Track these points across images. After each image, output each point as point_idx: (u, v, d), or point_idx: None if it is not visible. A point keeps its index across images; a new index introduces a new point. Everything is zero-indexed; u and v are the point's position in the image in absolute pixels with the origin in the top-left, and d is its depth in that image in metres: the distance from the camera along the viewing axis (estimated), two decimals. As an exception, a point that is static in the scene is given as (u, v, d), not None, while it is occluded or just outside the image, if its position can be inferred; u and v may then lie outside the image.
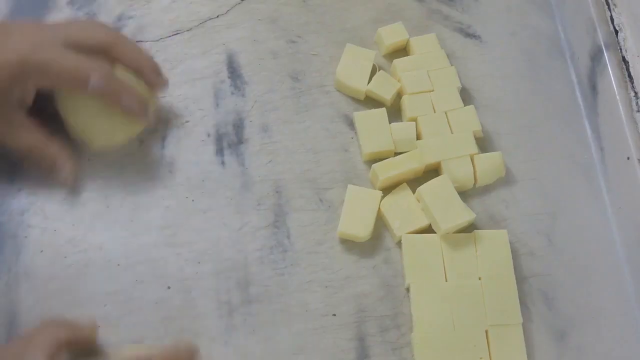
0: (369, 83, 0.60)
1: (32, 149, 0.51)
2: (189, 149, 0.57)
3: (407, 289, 0.52)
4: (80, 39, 0.51)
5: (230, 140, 0.58)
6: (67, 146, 0.53)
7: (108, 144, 0.54)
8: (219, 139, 0.58)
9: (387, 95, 0.60)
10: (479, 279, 0.52)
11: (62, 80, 0.50)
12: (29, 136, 0.51)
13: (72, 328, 0.45)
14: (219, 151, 0.57)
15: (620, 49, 0.59)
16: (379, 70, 0.61)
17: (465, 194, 0.56)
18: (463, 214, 0.53)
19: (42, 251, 0.52)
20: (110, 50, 0.51)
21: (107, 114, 0.52)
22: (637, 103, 0.56)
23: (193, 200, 0.55)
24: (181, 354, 0.45)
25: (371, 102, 0.61)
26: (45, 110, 0.52)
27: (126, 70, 0.53)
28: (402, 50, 0.64)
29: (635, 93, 0.56)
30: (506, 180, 0.58)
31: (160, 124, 0.58)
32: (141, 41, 0.62)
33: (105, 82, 0.50)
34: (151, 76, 0.54)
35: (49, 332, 0.43)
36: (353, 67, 0.61)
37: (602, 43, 0.60)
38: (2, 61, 0.48)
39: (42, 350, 0.41)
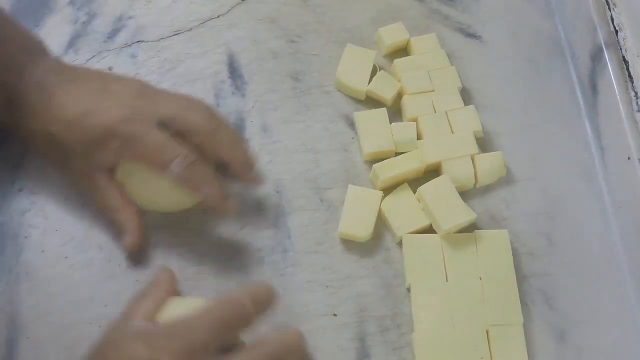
0: (369, 83, 0.60)
1: (106, 210, 0.51)
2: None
3: (408, 289, 0.52)
4: (176, 120, 0.49)
5: (230, 140, 0.58)
6: (140, 216, 0.51)
7: (166, 211, 0.53)
8: (220, 139, 0.58)
9: (388, 95, 0.60)
10: (480, 279, 0.52)
11: (143, 157, 0.49)
12: (107, 198, 0.51)
13: (162, 287, 0.46)
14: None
15: (621, 49, 0.59)
16: (379, 71, 0.61)
17: (466, 194, 0.56)
18: (464, 214, 0.53)
19: (43, 252, 0.52)
20: (206, 136, 0.50)
21: (167, 185, 0.50)
22: (637, 103, 0.56)
23: (194, 201, 0.55)
24: (261, 290, 0.45)
25: (372, 102, 0.61)
26: None
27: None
28: (403, 51, 0.64)
29: (636, 93, 0.56)
30: (507, 180, 0.58)
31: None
32: (142, 41, 0.62)
33: (186, 171, 0.48)
34: (241, 171, 0.52)
35: (146, 298, 0.45)
36: (353, 68, 0.61)
37: (602, 43, 0.60)
38: (91, 124, 0.48)
39: (142, 315, 0.43)
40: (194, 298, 0.47)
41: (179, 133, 0.49)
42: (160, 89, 0.52)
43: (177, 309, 0.44)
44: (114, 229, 0.52)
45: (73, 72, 0.52)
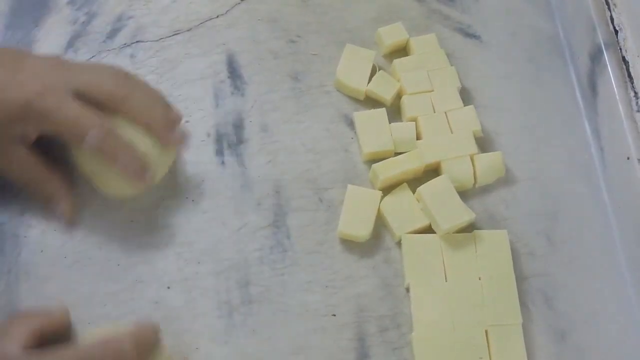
0: (368, 83, 0.60)
1: (30, 183, 0.51)
2: (189, 149, 0.57)
3: (407, 289, 0.52)
4: (90, 89, 0.49)
5: (230, 140, 0.58)
6: (67, 181, 0.52)
7: (117, 195, 0.53)
8: (219, 139, 0.58)
9: (387, 95, 0.60)
10: (479, 279, 0.52)
11: (60, 131, 0.48)
12: (28, 171, 0.50)
13: (43, 316, 0.45)
14: (219, 151, 0.57)
15: (620, 49, 0.59)
16: (378, 70, 0.61)
17: (465, 194, 0.56)
18: (463, 214, 0.53)
19: (42, 251, 0.52)
20: (119, 103, 0.49)
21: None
22: (637, 103, 0.56)
23: (193, 200, 0.55)
24: (145, 332, 0.45)
25: (371, 102, 0.61)
26: (54, 141, 0.51)
27: (134, 126, 0.50)
28: (402, 50, 0.64)
29: (635, 93, 0.56)
30: (506, 180, 0.58)
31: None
32: (141, 41, 0.62)
33: (102, 139, 0.48)
34: (162, 133, 0.51)
35: (22, 323, 0.43)
36: (353, 67, 0.61)
37: (602, 43, 0.60)
38: (5, 99, 0.47)
39: (18, 342, 0.41)
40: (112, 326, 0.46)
41: (95, 102, 0.49)
42: (77, 61, 0.52)
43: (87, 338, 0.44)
44: (44, 200, 0.52)
45: None
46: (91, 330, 0.46)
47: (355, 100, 0.61)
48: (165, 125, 0.51)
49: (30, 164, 0.50)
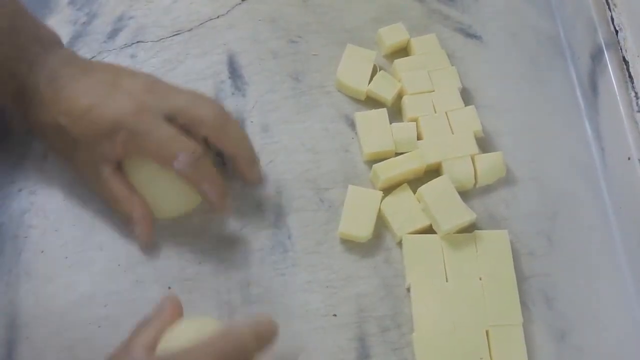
0: (369, 83, 0.60)
1: (112, 201, 0.51)
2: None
3: (408, 289, 0.52)
4: (184, 113, 0.50)
5: (230, 140, 0.58)
6: (147, 204, 0.51)
7: (166, 214, 0.53)
8: (220, 139, 0.58)
9: (388, 95, 0.60)
10: (480, 279, 0.52)
11: (149, 151, 0.49)
12: (111, 189, 0.50)
13: (164, 319, 0.44)
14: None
15: (621, 49, 0.59)
16: (379, 71, 0.61)
17: (465, 194, 0.56)
18: (464, 214, 0.53)
19: (42, 251, 0.52)
20: (213, 130, 0.50)
21: (170, 186, 0.51)
22: (637, 103, 0.56)
23: (193, 201, 0.55)
24: (265, 325, 0.43)
25: (372, 102, 0.61)
26: None
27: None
28: (403, 51, 0.64)
29: (636, 93, 0.56)
30: (506, 180, 0.58)
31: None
32: (142, 41, 0.62)
33: (191, 165, 0.48)
34: (246, 168, 0.53)
35: (147, 328, 0.43)
36: (354, 68, 0.61)
37: (602, 43, 0.60)
38: (99, 116, 0.48)
39: (143, 346, 0.41)
40: (201, 319, 0.45)
41: (186, 127, 0.50)
42: (170, 83, 0.52)
43: (182, 335, 0.42)
44: (122, 220, 0.52)
45: (85, 64, 0.52)
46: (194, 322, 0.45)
47: (356, 100, 0.61)
48: (251, 160, 0.53)
49: (115, 183, 0.50)
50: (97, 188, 0.51)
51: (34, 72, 0.49)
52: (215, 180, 0.50)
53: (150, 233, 0.51)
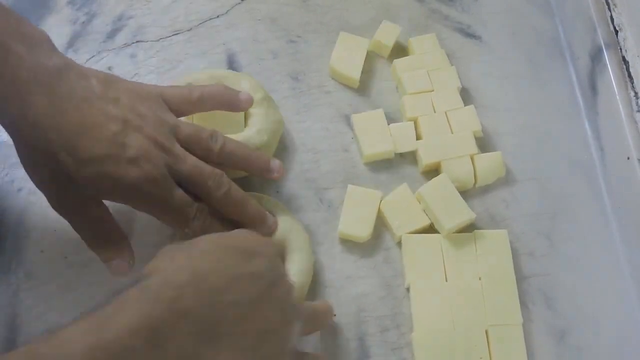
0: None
1: (94, 234, 0.48)
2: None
3: (407, 289, 0.52)
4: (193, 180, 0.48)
5: (230, 140, 0.58)
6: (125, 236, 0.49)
7: None
8: (219, 139, 0.58)
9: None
10: (479, 279, 0.52)
11: (165, 216, 0.48)
12: (96, 223, 0.47)
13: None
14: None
15: (620, 49, 0.59)
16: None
17: (465, 194, 0.56)
18: (465, 213, 0.53)
19: (42, 251, 0.52)
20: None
21: None
22: (637, 103, 0.56)
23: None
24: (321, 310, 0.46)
25: (367, 93, 0.61)
26: None
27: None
28: (402, 51, 0.64)
29: (635, 93, 0.56)
30: (506, 180, 0.58)
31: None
32: (141, 41, 0.62)
33: (203, 223, 0.48)
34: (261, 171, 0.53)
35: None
36: (347, 55, 0.61)
37: (602, 43, 0.60)
38: (110, 173, 0.44)
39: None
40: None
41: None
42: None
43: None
44: (103, 242, 0.48)
45: (84, 80, 0.45)
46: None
47: (356, 100, 0.61)
48: (261, 162, 0.52)
49: (101, 218, 0.47)
50: (86, 224, 0.47)
51: (19, 74, 0.42)
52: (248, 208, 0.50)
53: (129, 266, 0.48)
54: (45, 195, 0.46)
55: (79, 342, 0.32)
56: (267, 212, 0.51)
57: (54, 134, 0.43)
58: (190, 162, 0.48)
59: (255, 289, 0.38)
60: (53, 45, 0.46)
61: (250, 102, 0.53)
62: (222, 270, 0.37)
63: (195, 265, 0.37)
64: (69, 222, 0.47)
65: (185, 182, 0.47)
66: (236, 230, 0.43)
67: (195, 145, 0.49)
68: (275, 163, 0.53)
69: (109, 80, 0.47)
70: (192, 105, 0.51)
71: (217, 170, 0.49)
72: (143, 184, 0.45)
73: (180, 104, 0.50)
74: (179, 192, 0.47)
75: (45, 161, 0.43)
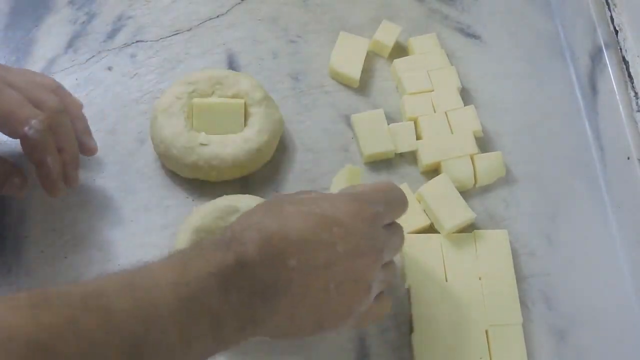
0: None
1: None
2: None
3: (407, 289, 0.52)
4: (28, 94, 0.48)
5: (230, 140, 0.58)
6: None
7: None
8: (219, 139, 0.58)
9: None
10: (479, 279, 0.52)
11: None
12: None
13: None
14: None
15: (620, 49, 0.59)
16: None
17: (465, 194, 0.56)
18: (465, 213, 0.53)
19: (42, 251, 0.52)
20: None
21: None
22: (637, 103, 0.56)
23: (193, 200, 0.55)
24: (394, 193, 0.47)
25: (367, 92, 0.61)
26: None
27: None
28: (402, 50, 0.64)
29: (635, 93, 0.56)
30: (506, 180, 0.58)
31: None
32: (141, 41, 0.62)
33: (40, 133, 0.46)
34: (68, 167, 0.50)
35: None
36: (347, 55, 0.61)
37: (602, 43, 0.60)
38: None
39: None
40: None
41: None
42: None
43: None
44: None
45: None
46: None
47: (355, 100, 0.61)
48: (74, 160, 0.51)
49: None
50: None
51: None
52: (56, 159, 0.48)
53: (25, 183, 0.50)
54: None
55: (165, 277, 0.36)
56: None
57: None
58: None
59: (323, 257, 0.40)
60: None
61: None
62: (289, 234, 0.40)
63: (266, 225, 0.40)
64: None
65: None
66: (340, 193, 0.45)
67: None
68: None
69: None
70: None
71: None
72: None
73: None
74: (12, 92, 0.46)
75: None
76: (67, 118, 0.50)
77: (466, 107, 0.60)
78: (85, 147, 0.53)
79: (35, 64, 0.60)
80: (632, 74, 0.57)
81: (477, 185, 0.57)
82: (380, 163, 0.58)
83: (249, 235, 0.39)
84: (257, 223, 0.40)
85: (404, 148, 0.57)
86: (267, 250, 0.39)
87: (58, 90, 0.52)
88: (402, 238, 0.46)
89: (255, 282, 0.38)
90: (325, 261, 0.40)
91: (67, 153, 0.50)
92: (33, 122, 0.46)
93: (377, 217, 0.43)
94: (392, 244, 0.45)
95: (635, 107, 0.56)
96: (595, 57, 0.60)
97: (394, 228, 0.46)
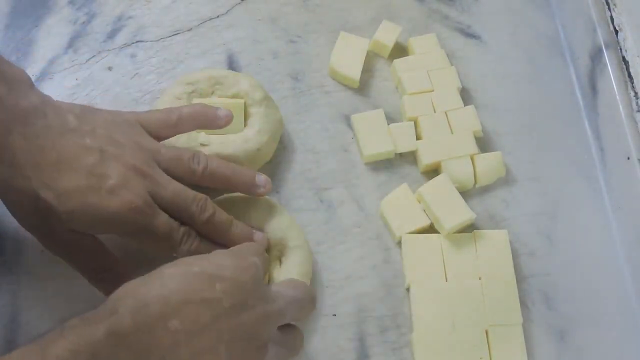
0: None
1: (93, 253, 0.47)
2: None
3: (407, 289, 0.52)
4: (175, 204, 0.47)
5: (230, 140, 0.58)
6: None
7: None
8: (219, 139, 0.58)
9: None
10: (479, 279, 0.52)
11: (152, 244, 0.47)
12: (90, 242, 0.47)
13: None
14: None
15: (620, 49, 0.59)
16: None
17: (465, 194, 0.56)
18: (465, 213, 0.53)
19: (42, 251, 0.52)
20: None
21: None
22: (637, 103, 0.56)
23: (193, 200, 0.55)
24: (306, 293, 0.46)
25: (367, 91, 0.61)
26: None
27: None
28: (402, 51, 0.64)
29: (635, 93, 0.56)
30: (506, 180, 0.58)
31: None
32: (141, 41, 0.62)
33: (194, 246, 0.47)
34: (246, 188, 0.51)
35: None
36: (347, 56, 0.61)
37: (602, 43, 0.60)
38: (94, 205, 0.44)
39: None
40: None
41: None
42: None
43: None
44: (97, 264, 0.48)
45: (60, 116, 0.45)
46: None
47: (355, 100, 0.61)
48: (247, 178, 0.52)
49: (94, 251, 0.47)
50: (79, 257, 0.47)
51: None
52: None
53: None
54: (38, 238, 0.47)
55: None
56: (255, 231, 0.50)
57: (32, 171, 0.43)
58: (172, 188, 0.47)
59: (209, 314, 0.38)
60: (32, 83, 0.46)
61: (230, 117, 0.51)
62: (169, 296, 0.38)
63: (143, 291, 0.38)
64: (66, 261, 0.47)
65: (169, 208, 0.47)
66: (216, 251, 0.44)
67: (177, 169, 0.48)
68: (261, 178, 0.51)
69: (85, 112, 0.47)
70: (172, 128, 0.50)
71: (200, 195, 0.48)
72: (126, 213, 0.44)
73: (160, 128, 0.50)
74: (163, 218, 0.46)
75: (29, 201, 0.44)
76: (213, 174, 0.50)
77: (466, 107, 0.60)
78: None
79: (35, 64, 0.60)
80: (632, 74, 0.57)
81: (477, 185, 0.57)
82: (380, 163, 0.58)
83: (123, 304, 0.37)
84: (133, 290, 0.38)
85: (404, 148, 0.58)
86: (143, 315, 0.37)
87: (179, 123, 0.50)
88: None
89: (132, 350, 0.36)
90: (211, 318, 0.38)
91: (238, 187, 0.51)
92: (181, 245, 0.47)
93: (257, 269, 0.42)
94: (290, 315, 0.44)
95: (635, 107, 0.56)
96: (595, 57, 0.60)
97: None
